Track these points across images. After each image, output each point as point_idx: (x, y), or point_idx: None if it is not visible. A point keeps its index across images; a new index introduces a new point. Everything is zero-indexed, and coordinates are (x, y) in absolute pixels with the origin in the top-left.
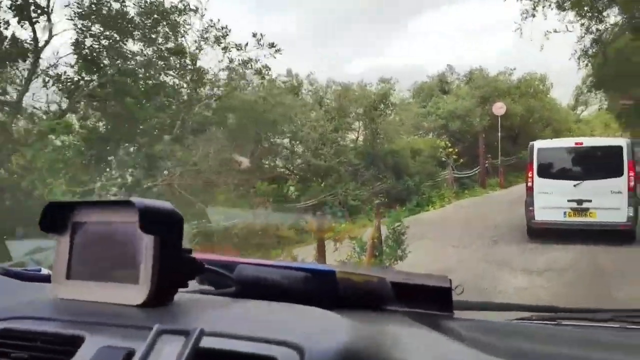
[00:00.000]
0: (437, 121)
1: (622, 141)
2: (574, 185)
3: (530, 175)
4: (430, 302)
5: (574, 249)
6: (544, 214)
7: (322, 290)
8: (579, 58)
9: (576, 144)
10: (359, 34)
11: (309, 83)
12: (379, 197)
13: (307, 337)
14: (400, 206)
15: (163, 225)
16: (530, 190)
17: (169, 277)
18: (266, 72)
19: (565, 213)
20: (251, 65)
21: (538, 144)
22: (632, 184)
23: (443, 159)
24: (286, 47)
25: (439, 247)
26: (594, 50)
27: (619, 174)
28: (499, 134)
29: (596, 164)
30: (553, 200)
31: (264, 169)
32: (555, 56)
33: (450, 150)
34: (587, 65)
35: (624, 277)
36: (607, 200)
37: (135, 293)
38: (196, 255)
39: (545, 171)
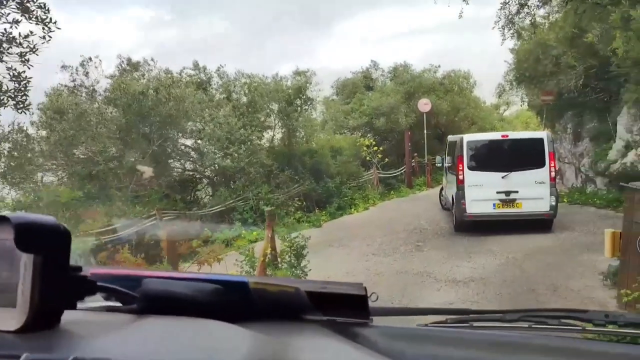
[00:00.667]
0: (361, 118)
1: (543, 134)
2: (502, 177)
3: (460, 168)
4: (347, 310)
5: (500, 252)
6: (474, 206)
7: (234, 302)
8: (503, 27)
9: (502, 136)
10: (285, 40)
11: (219, 77)
12: (295, 201)
13: (202, 355)
14: (320, 210)
15: (45, 242)
16: (461, 183)
17: (52, 299)
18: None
19: (494, 205)
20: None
21: (467, 137)
22: (553, 174)
23: (367, 158)
24: (211, 52)
25: (357, 257)
26: (520, 17)
27: (542, 165)
28: (425, 131)
29: (521, 156)
30: (483, 192)
31: (168, 172)
32: (479, 56)
33: (375, 148)
34: (512, 35)
35: (556, 291)
36: (532, 191)
37: (12, 318)
38: (98, 270)
39: (475, 164)
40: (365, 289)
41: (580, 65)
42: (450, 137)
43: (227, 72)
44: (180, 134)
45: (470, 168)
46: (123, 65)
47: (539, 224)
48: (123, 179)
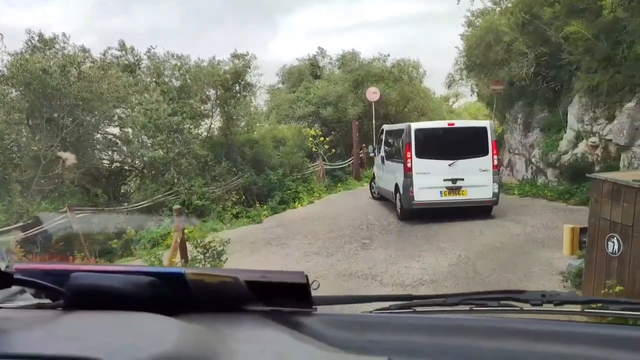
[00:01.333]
0: (307, 107)
1: (486, 123)
2: (449, 165)
3: (409, 156)
4: (289, 299)
5: (452, 249)
6: (422, 194)
7: (171, 294)
8: None
9: (449, 125)
10: (233, 31)
11: (149, 59)
12: (233, 195)
13: (125, 348)
14: (261, 204)
15: None
16: (409, 171)
17: None
18: None
19: (441, 192)
20: None
21: (415, 125)
22: (495, 162)
23: (313, 149)
24: (153, 42)
25: (297, 257)
26: None
27: (486, 153)
28: (374, 122)
29: (466, 144)
30: (430, 180)
31: (86, 163)
32: (429, 51)
33: (322, 139)
34: None
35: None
36: (476, 178)
37: None
38: (23, 265)
39: (423, 152)
40: (306, 277)
41: (532, 53)
42: (386, 127)
43: (158, 53)
44: (106, 121)
45: (418, 156)
46: (33, 42)
47: (480, 210)
48: (26, 171)
